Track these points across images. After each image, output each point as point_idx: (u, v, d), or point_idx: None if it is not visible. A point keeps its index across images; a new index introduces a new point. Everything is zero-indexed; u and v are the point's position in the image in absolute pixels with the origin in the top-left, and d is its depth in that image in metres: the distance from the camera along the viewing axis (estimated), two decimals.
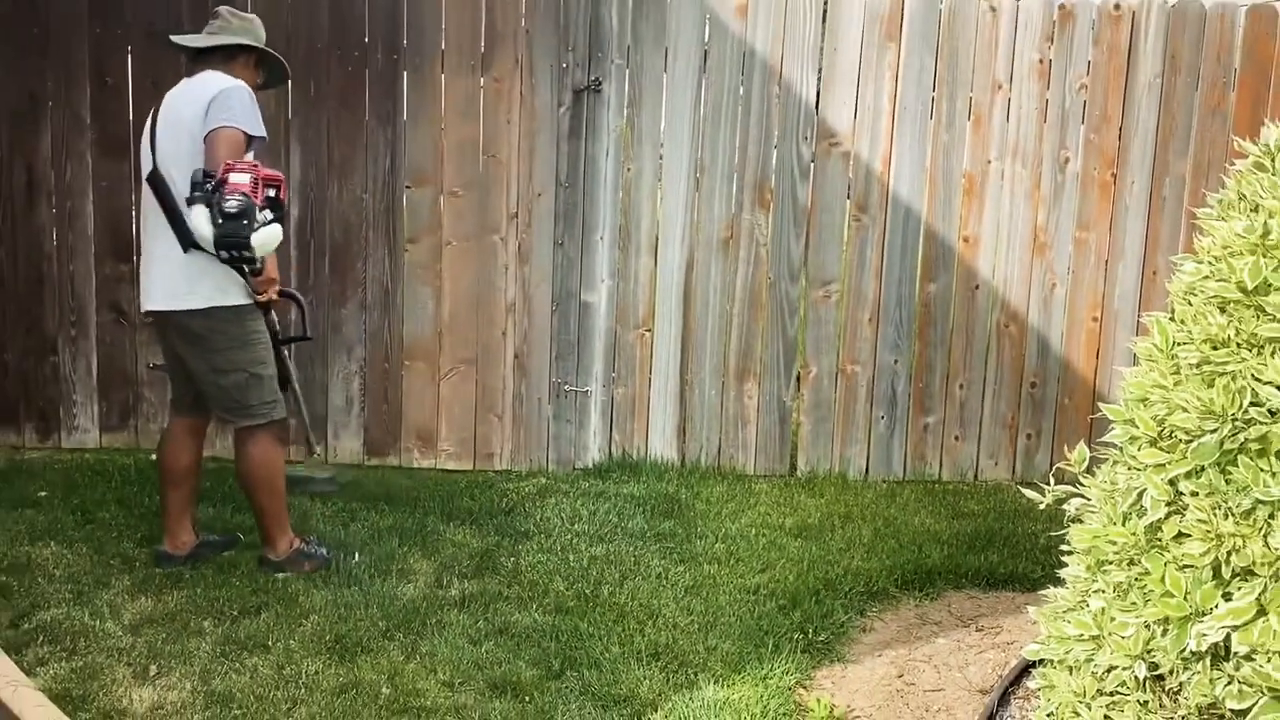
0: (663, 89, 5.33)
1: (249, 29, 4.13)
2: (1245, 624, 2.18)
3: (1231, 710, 2.23)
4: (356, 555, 4.26)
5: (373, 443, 5.42)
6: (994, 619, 4.02)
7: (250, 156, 3.77)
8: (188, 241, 3.82)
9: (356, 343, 5.37)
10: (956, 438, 5.57)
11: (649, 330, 5.44)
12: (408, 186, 5.29)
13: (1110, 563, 2.55)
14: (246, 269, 3.75)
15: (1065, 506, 2.76)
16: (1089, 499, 2.71)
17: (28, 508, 4.58)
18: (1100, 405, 2.68)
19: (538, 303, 5.33)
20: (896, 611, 4.11)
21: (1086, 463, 2.75)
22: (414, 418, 5.39)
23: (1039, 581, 2.98)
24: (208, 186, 3.56)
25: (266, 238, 3.58)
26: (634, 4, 5.25)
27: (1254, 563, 2.19)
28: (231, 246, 3.54)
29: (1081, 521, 2.69)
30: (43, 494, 4.74)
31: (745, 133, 5.35)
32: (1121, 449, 2.58)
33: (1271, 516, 2.19)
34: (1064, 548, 2.75)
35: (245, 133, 3.75)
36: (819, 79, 5.34)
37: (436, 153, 5.27)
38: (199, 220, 3.58)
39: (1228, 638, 2.20)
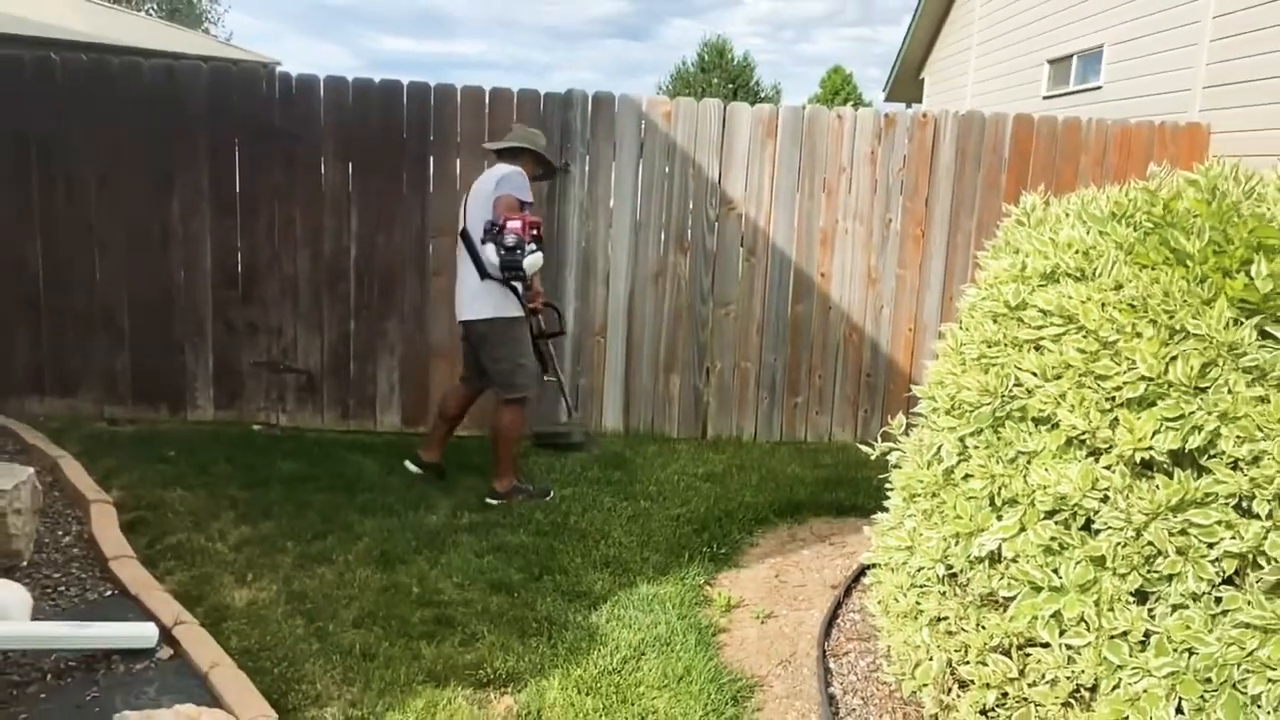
0: (612, 170, 5.29)
1: (530, 137, 4.34)
2: (1012, 537, 2.19)
3: (1003, 597, 2.24)
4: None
5: (408, 416, 5.33)
6: (842, 537, 4.04)
7: (528, 214, 3.99)
8: (484, 273, 4.04)
9: (397, 345, 5.28)
10: (817, 412, 5.57)
11: (603, 337, 5.39)
12: (433, 236, 5.22)
13: (919, 495, 2.55)
14: (520, 285, 4.04)
15: (889, 457, 2.76)
16: (904, 452, 2.71)
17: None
18: (913, 387, 2.68)
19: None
20: (775, 532, 4.11)
21: (904, 427, 2.75)
22: (438, 399, 5.30)
23: (872, 510, 2.99)
24: (494, 231, 3.86)
25: (533, 261, 3.84)
26: (592, 111, 5.20)
27: (1017, 495, 2.20)
28: (510, 268, 3.84)
29: (900, 467, 2.69)
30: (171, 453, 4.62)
31: (669, 200, 5.32)
32: (926, 417, 2.58)
33: (1029, 462, 2.20)
34: (888, 486, 2.76)
35: (519, 199, 3.97)
36: (720, 163, 5.33)
37: (453, 213, 5.19)
38: (489, 253, 3.89)
39: (1000, 547, 2.21)
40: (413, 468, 4.49)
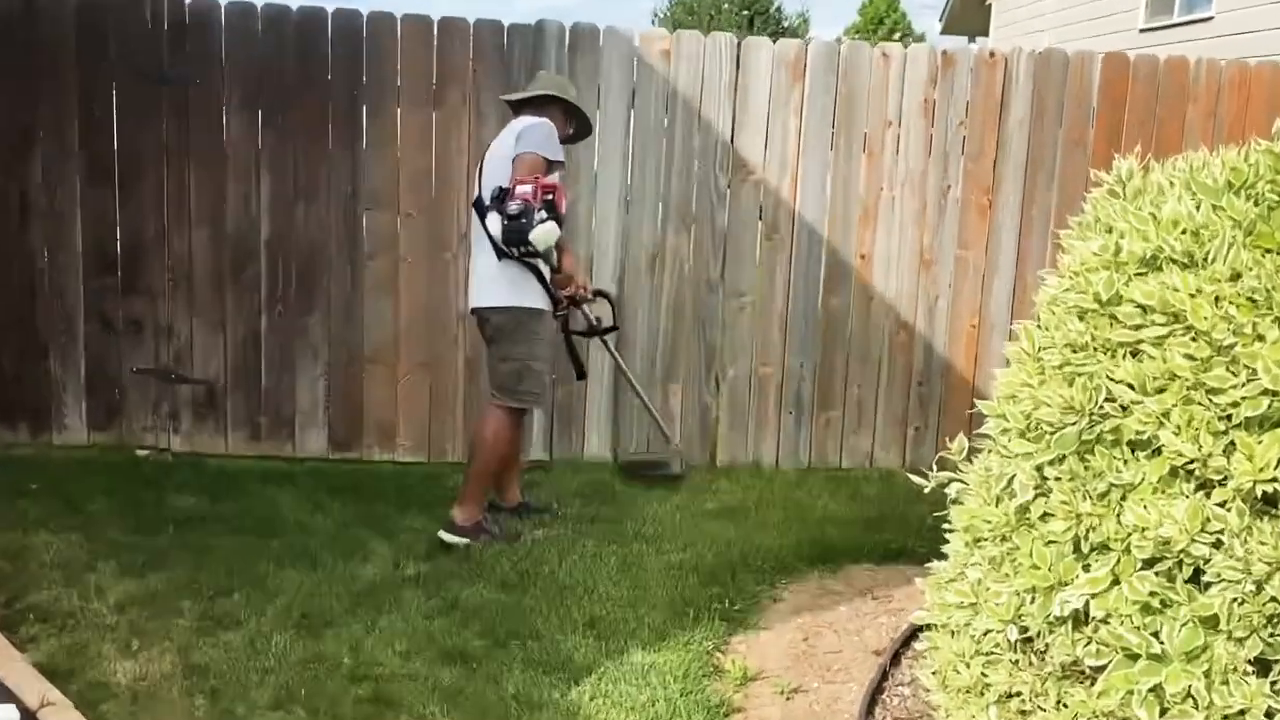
0: (596, 124, 5.30)
1: (560, 84, 4.46)
2: (1101, 592, 2.20)
3: (1090, 667, 2.26)
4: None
5: (336, 438, 5.35)
6: (887, 589, 4.05)
7: (556, 177, 4.08)
8: (500, 251, 4.14)
9: (321, 348, 5.29)
10: (855, 431, 5.61)
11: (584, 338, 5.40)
12: (367, 209, 5.23)
13: (985, 539, 2.57)
14: (546, 267, 4.15)
15: (947, 490, 2.78)
16: (967, 483, 2.73)
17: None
18: (977, 401, 2.71)
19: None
20: (802, 583, 4.12)
21: (965, 452, 2.77)
22: (374, 416, 5.33)
23: (925, 556, 3.01)
24: (501, 197, 3.97)
25: (543, 232, 3.90)
26: (570, 48, 5.23)
27: (1108, 538, 2.22)
28: (515, 241, 3.94)
29: (961, 503, 2.71)
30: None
31: (670, 163, 5.35)
32: (995, 439, 2.60)
33: (1123, 498, 2.22)
34: (946, 526, 2.77)
35: (545, 158, 4.08)
36: (733, 116, 5.36)
37: (392, 178, 5.22)
38: (493, 224, 4.01)
39: (1087, 604, 2.23)
40: (474, 533, 4.26)
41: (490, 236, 4.14)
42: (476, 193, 4.29)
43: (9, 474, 4.73)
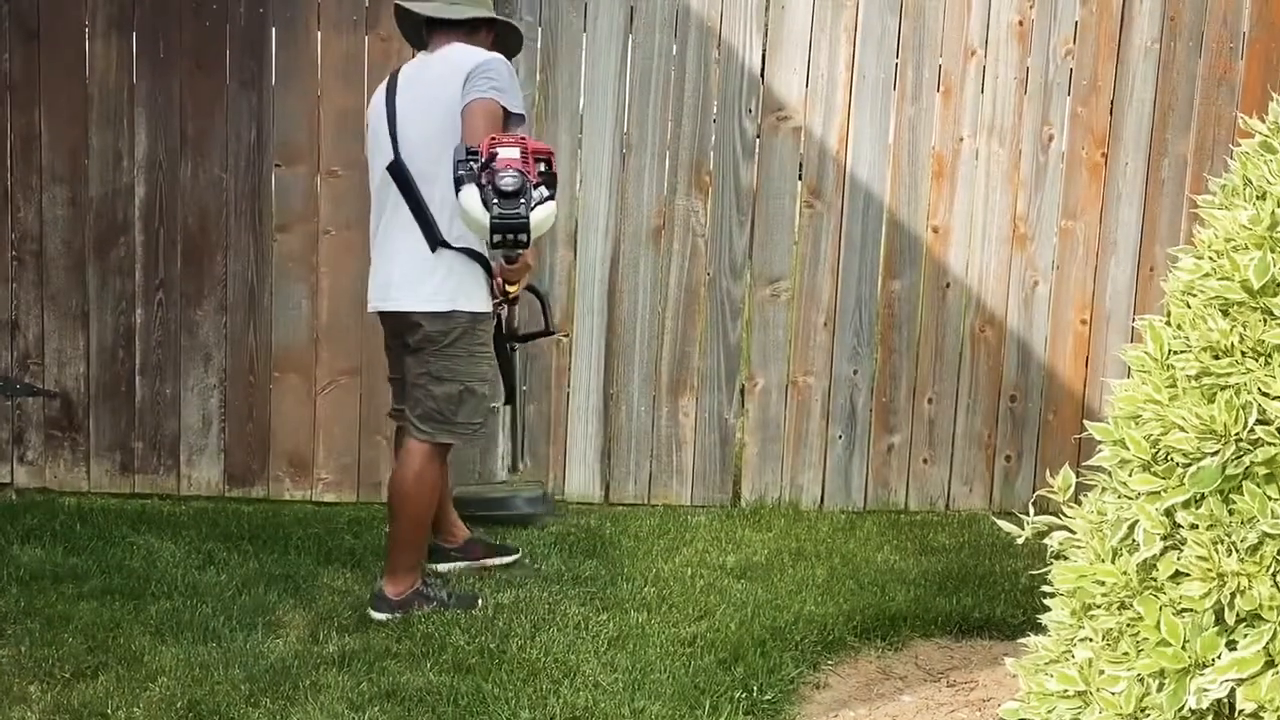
0: (581, 50, 5.33)
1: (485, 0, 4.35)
2: (1252, 677, 2.20)
3: None
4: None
5: (235, 470, 5.36)
6: (967, 672, 4.05)
7: (528, 136, 3.90)
8: (436, 239, 4.05)
9: (215, 350, 5.31)
10: (925, 460, 5.63)
11: (567, 335, 5.43)
12: (277, 165, 5.25)
13: (1098, 606, 2.57)
14: (506, 255, 3.94)
15: (1047, 541, 2.77)
16: (1074, 532, 2.72)
17: None
18: (1087, 424, 2.71)
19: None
20: (855, 664, 4.11)
21: (1072, 490, 2.77)
22: (285, 440, 5.34)
23: (1018, 628, 3.00)
24: (472, 165, 3.66)
25: (543, 217, 3.69)
26: None
27: (1261, 606, 2.21)
28: (509, 229, 3.61)
29: (1066, 558, 2.71)
30: None
31: (679, 104, 5.37)
32: (1111, 474, 2.60)
33: None
34: (1046, 589, 2.77)
35: (505, 108, 3.97)
36: (764, 41, 5.37)
37: (311, 125, 5.23)
38: (470, 202, 3.65)
39: (1232, 693, 2.22)
40: (444, 567, 4.60)
41: (423, 215, 4.07)
42: (391, 154, 4.17)
43: None
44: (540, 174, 3.71)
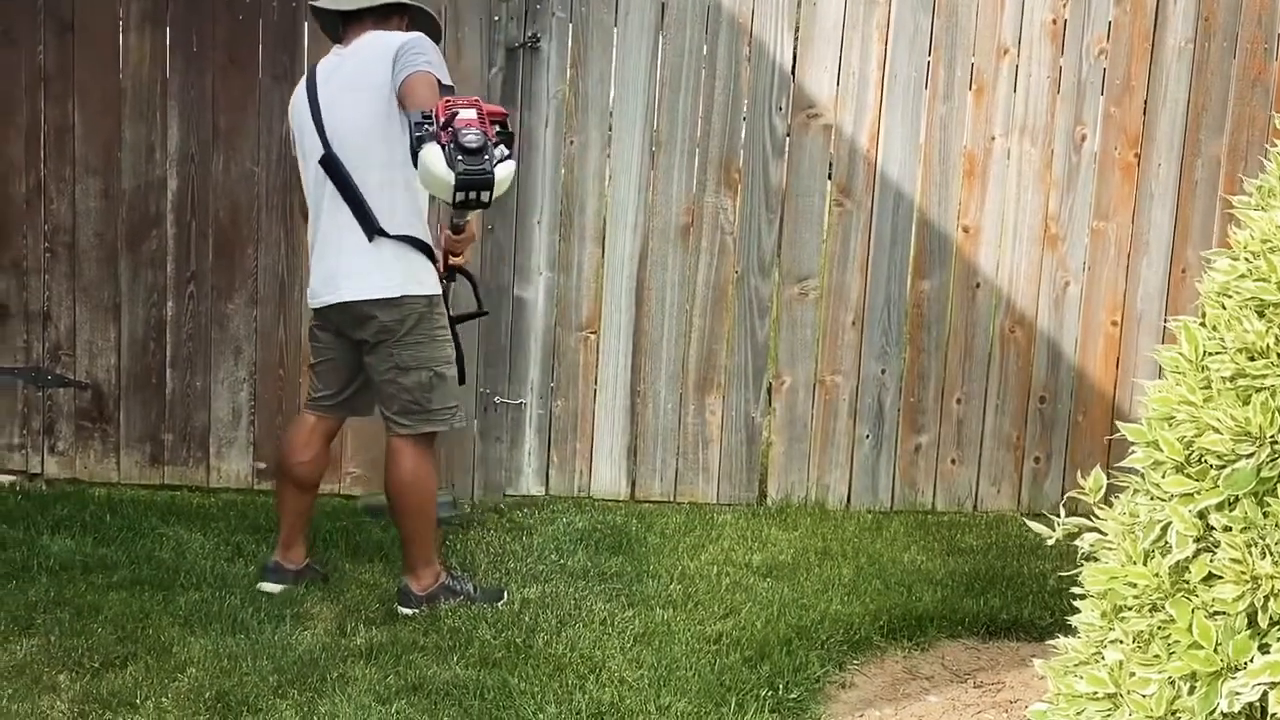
0: (613, 48, 5.33)
1: None
2: None
3: None
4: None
5: (264, 463, 5.38)
6: (994, 673, 4.04)
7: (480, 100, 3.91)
8: (373, 229, 4.07)
9: (245, 343, 5.33)
10: (953, 461, 5.61)
11: (594, 333, 5.44)
12: None
13: (1129, 609, 2.56)
14: (454, 224, 4.02)
15: (1078, 542, 2.77)
16: (1105, 534, 2.72)
17: None
18: (1119, 425, 2.70)
19: (462, 299, 5.29)
20: (881, 664, 4.11)
21: (1103, 491, 2.76)
22: None
23: (1047, 630, 2.98)
24: (428, 127, 3.65)
25: (505, 174, 3.70)
26: None
27: None
28: (474, 186, 3.62)
29: (1097, 560, 2.70)
30: None
31: (710, 101, 5.37)
32: (1143, 475, 2.59)
33: None
34: (1076, 591, 2.76)
35: (439, 79, 3.98)
36: (796, 39, 5.36)
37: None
38: (433, 160, 3.62)
39: (1264, 697, 2.21)
40: (271, 588, 4.39)
41: (358, 204, 4.06)
42: (322, 149, 4.15)
43: None
44: (498, 134, 3.72)
